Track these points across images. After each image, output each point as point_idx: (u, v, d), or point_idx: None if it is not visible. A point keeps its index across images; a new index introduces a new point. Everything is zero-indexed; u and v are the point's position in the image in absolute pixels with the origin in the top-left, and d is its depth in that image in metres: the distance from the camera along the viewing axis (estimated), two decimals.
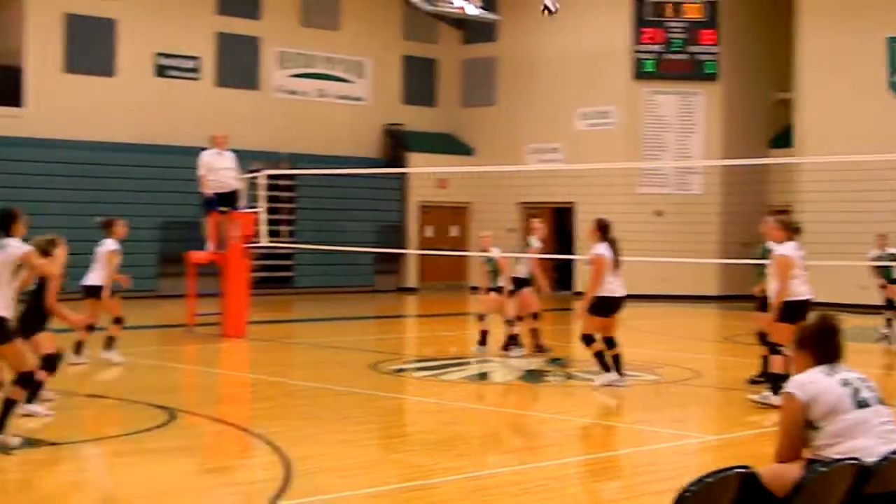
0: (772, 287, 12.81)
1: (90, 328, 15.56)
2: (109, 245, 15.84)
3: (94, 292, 15.66)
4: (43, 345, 10.77)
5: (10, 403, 9.63)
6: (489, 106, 34.77)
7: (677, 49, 31.65)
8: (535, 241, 17.94)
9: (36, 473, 9.34)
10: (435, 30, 34.90)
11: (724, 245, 29.70)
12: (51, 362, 11.23)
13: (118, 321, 15.90)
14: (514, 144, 33.34)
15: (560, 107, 32.82)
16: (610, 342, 14.24)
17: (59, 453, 9.74)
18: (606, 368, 14.03)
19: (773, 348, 12.65)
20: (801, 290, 12.63)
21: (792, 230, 13.02)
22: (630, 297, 29.42)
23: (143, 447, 10.35)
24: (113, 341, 15.81)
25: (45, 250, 10.72)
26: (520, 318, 17.64)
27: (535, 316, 17.72)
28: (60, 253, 11.12)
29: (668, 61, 31.69)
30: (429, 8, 28.78)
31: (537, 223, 18.49)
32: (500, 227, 31.59)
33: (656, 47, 31.68)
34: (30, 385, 9.95)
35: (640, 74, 31.78)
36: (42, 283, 11.04)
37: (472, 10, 29.45)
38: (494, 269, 17.67)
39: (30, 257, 9.56)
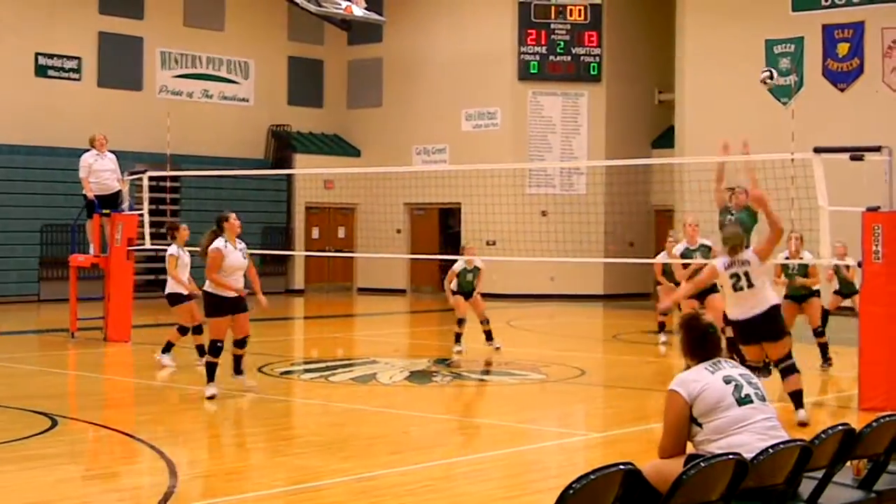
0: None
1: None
2: (170, 250, 16.36)
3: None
4: None
5: None
6: (375, 107, 34.77)
7: (561, 51, 31.96)
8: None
9: None
10: (320, 31, 34.79)
11: (609, 244, 30.06)
12: None
13: (194, 330, 16.14)
14: (400, 145, 33.40)
15: (446, 108, 32.94)
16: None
17: None
18: None
19: None
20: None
21: None
22: (518, 296, 29.79)
23: (24, 454, 10.16)
24: (171, 347, 16.19)
25: None
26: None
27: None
28: None
29: (552, 63, 31.98)
30: (314, 8, 28.64)
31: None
32: (387, 228, 31.70)
33: (540, 49, 31.95)
34: None
35: (525, 76, 32.03)
36: None
37: (358, 11, 29.37)
38: (474, 276, 18.28)
39: None
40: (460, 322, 18.23)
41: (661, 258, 19.35)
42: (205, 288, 13.26)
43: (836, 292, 17.30)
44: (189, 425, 11.51)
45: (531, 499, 8.58)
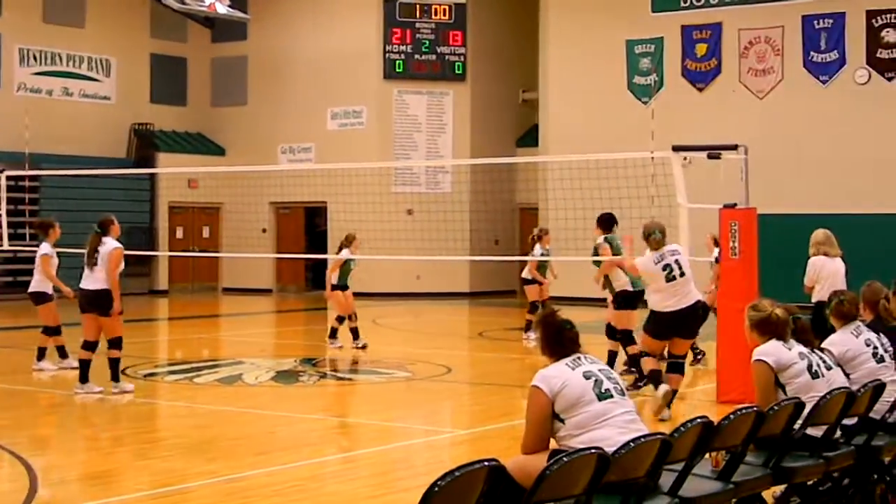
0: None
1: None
2: (44, 249, 15.68)
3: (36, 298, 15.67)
4: None
5: None
6: (240, 105, 34.49)
7: (426, 50, 32.07)
8: None
9: None
10: (183, 28, 34.38)
11: (474, 243, 30.27)
12: None
13: (54, 331, 15.60)
14: (265, 144, 33.18)
15: (311, 106, 32.82)
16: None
17: None
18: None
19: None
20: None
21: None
22: (384, 295, 29.75)
23: None
24: (45, 352, 15.62)
25: None
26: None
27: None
28: None
29: (417, 62, 32.07)
30: (177, 5, 28.35)
31: None
32: (253, 227, 31.49)
33: (406, 48, 32.01)
34: None
35: (391, 74, 32.06)
36: None
37: (222, 9, 29.15)
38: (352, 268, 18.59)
39: None
40: (342, 319, 18.28)
41: (538, 253, 19.49)
42: (103, 286, 13.30)
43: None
44: (50, 430, 11.32)
45: (398, 497, 8.63)
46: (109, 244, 13.41)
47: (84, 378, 13.42)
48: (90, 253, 13.42)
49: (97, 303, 13.33)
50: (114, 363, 13.44)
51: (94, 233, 13.54)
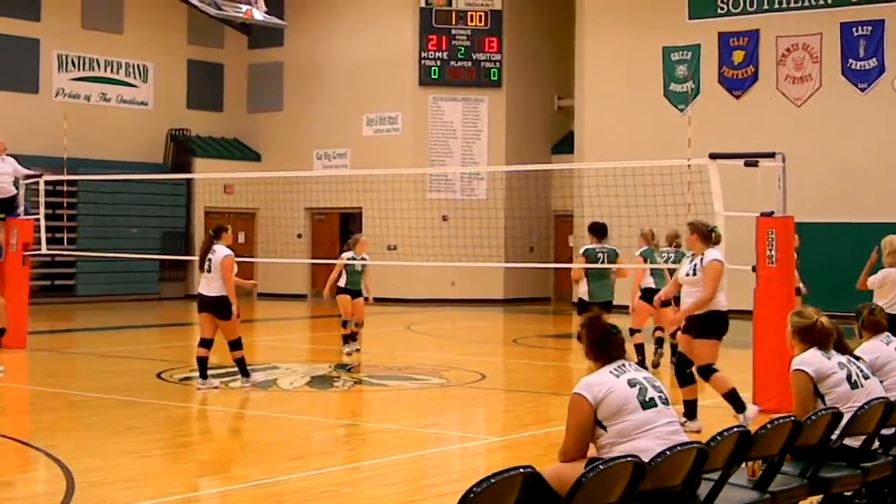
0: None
1: None
2: None
3: None
4: None
5: None
6: (276, 111, 34.60)
7: (462, 56, 32.08)
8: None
9: None
10: (220, 34, 34.54)
11: (509, 249, 30.25)
12: None
13: None
14: (301, 150, 33.28)
15: (347, 112, 32.89)
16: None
17: None
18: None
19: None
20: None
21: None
22: (418, 301, 29.75)
23: None
24: None
25: None
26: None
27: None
28: None
29: (452, 68, 32.08)
30: (214, 12, 28.43)
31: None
32: (288, 232, 31.57)
33: (441, 54, 32.04)
34: None
35: (426, 81, 32.09)
36: None
37: (258, 15, 29.23)
38: (363, 272, 18.59)
39: None
40: (346, 324, 18.30)
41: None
42: (220, 293, 14.06)
43: None
44: (86, 432, 11.36)
45: (432, 503, 8.61)
46: (220, 251, 14.11)
47: (203, 374, 14.23)
48: (202, 258, 14.21)
49: (216, 308, 14.06)
50: (239, 362, 14.29)
51: (208, 236, 14.44)
